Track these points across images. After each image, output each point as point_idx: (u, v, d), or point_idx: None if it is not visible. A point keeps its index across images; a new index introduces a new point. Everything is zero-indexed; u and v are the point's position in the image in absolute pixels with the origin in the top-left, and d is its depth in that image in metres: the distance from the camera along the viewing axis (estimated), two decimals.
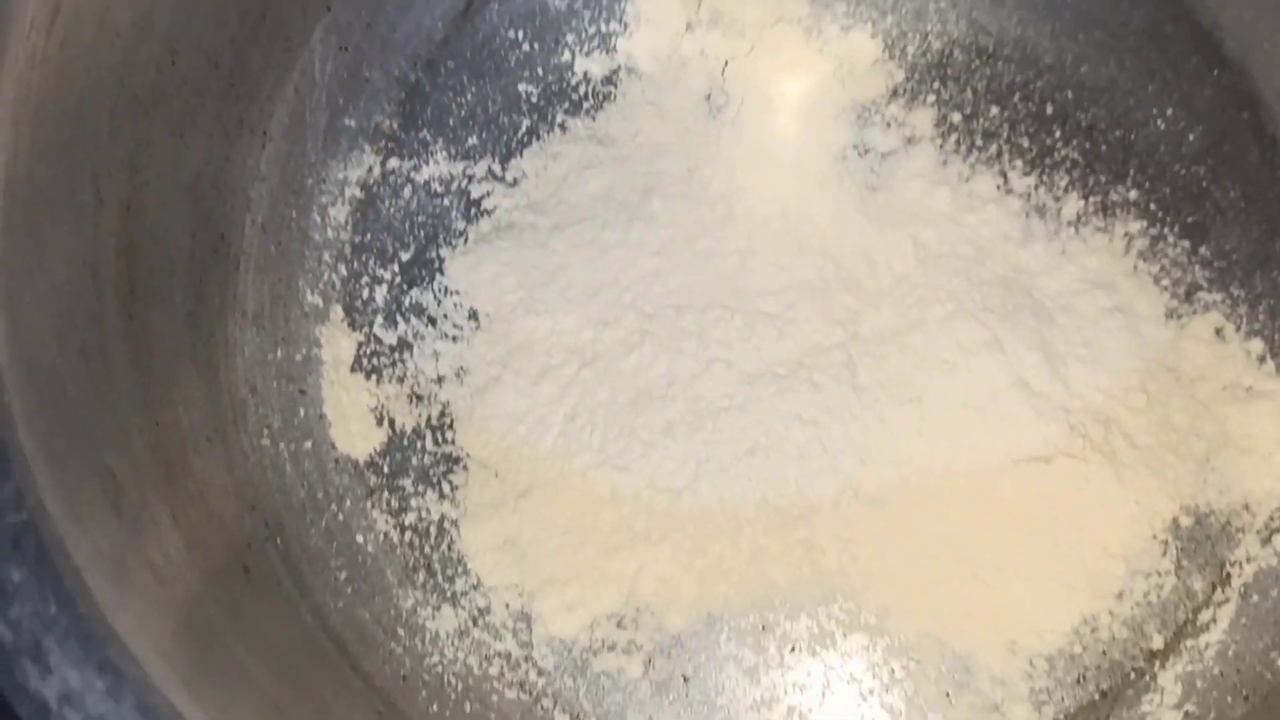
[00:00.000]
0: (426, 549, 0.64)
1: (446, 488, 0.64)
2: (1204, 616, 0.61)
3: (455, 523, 0.64)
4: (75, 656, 0.36)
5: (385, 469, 0.65)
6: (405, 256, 0.67)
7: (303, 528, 0.63)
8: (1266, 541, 0.61)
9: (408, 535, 0.65)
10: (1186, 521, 0.61)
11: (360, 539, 0.65)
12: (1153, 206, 0.64)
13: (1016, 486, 0.59)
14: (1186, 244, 0.63)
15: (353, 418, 0.65)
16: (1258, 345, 0.62)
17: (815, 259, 0.64)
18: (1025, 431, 0.60)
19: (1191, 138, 0.64)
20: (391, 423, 0.65)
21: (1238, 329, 0.62)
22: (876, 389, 0.61)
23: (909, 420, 0.60)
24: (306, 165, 0.68)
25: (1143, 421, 0.60)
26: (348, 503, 0.65)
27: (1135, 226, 0.64)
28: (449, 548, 0.64)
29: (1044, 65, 0.66)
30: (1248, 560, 0.61)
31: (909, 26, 0.67)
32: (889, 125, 0.66)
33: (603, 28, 0.69)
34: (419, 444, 0.65)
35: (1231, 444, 0.60)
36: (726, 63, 0.68)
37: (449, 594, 0.64)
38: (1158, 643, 0.60)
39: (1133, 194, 0.64)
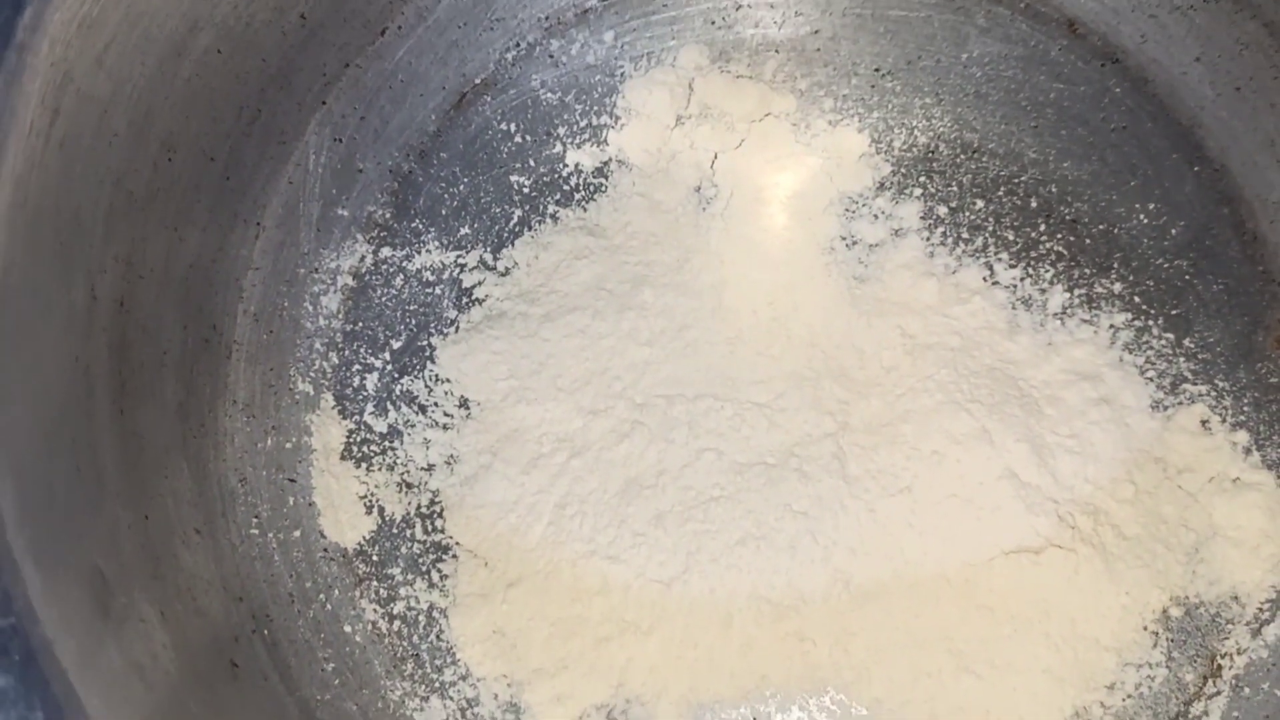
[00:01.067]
0: (415, 639, 0.64)
1: (436, 577, 0.64)
2: (1196, 709, 0.61)
3: (444, 612, 0.64)
4: None
5: (374, 557, 0.65)
6: (396, 345, 0.68)
7: (290, 619, 0.63)
8: (1257, 633, 0.61)
9: (396, 625, 0.64)
10: (1176, 613, 0.61)
11: (348, 629, 0.64)
12: (1137, 299, 0.65)
13: (1007, 578, 0.59)
14: (1171, 336, 0.64)
15: (342, 506, 0.65)
16: (1244, 437, 0.62)
17: (804, 349, 0.65)
18: (1015, 523, 0.60)
19: (1174, 232, 0.65)
20: (381, 511, 0.65)
21: (1223, 420, 0.63)
22: (866, 480, 0.61)
23: (899, 511, 0.61)
24: (299, 254, 0.68)
25: (1131, 513, 0.60)
26: (336, 592, 0.65)
27: (1120, 319, 0.64)
28: (438, 637, 0.64)
29: (1028, 160, 0.67)
30: (1238, 652, 0.61)
31: (895, 122, 0.69)
32: (876, 217, 0.67)
33: (594, 121, 0.71)
34: (408, 532, 0.65)
35: (1220, 535, 0.60)
36: (716, 156, 0.69)
37: (437, 685, 0.63)
38: None
39: (1117, 287, 0.65)
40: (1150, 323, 0.64)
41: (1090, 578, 0.59)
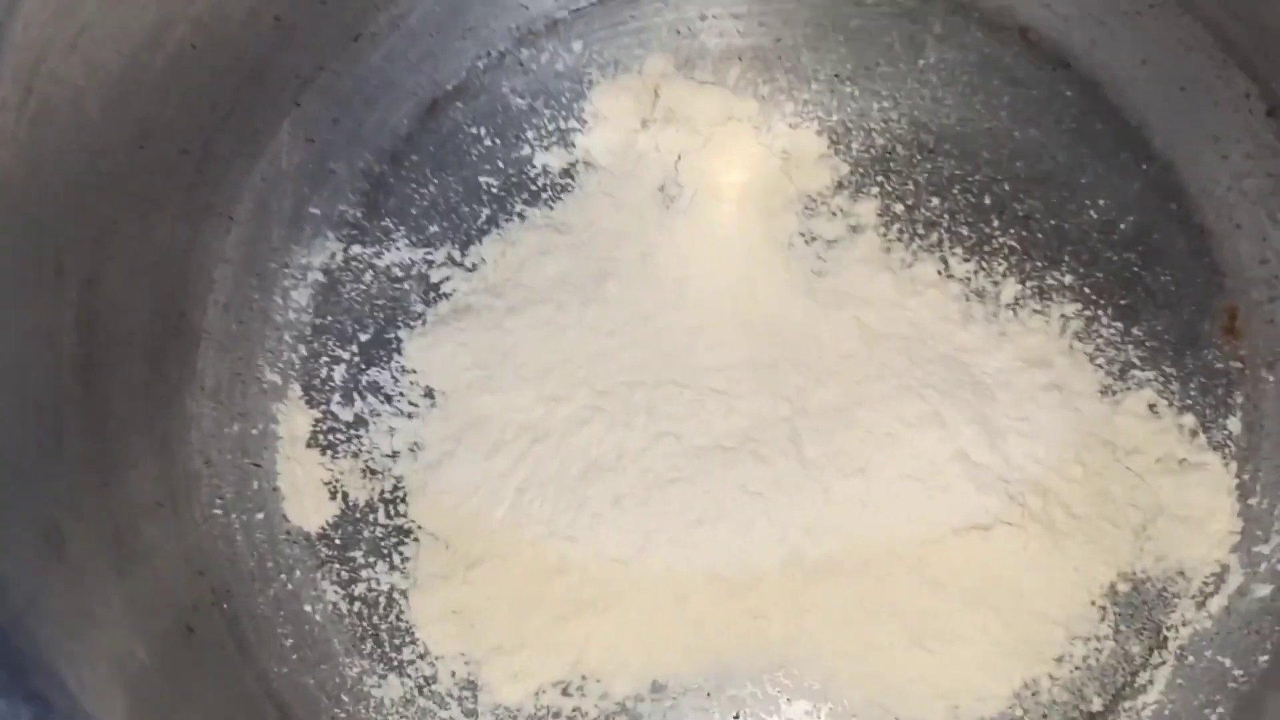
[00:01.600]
0: (375, 619, 0.65)
1: (397, 559, 0.65)
2: (1141, 678, 0.61)
3: (404, 593, 0.64)
4: (2, 684, 0.37)
5: (337, 541, 0.66)
6: (364, 337, 0.69)
7: (251, 595, 0.63)
8: (1201, 605, 0.62)
9: (356, 605, 0.65)
10: (1124, 588, 0.62)
11: (309, 608, 0.65)
12: (1087, 290, 0.66)
13: (958, 555, 0.60)
14: (1120, 325, 0.66)
15: (306, 491, 0.66)
16: (1190, 420, 0.64)
17: (763, 338, 0.66)
18: (966, 502, 0.61)
19: (1123, 227, 0.67)
20: (345, 496, 0.66)
21: (1170, 404, 0.64)
22: (822, 462, 0.62)
23: (853, 492, 0.62)
24: (270, 250, 0.70)
25: (1080, 492, 0.61)
26: (298, 573, 0.65)
27: (1070, 309, 0.66)
28: (397, 618, 0.64)
29: (981, 160, 0.69)
30: (1183, 624, 0.62)
31: (853, 124, 0.71)
32: (834, 215, 0.69)
33: (561, 125, 0.73)
34: (371, 516, 0.66)
35: (1167, 513, 0.61)
36: (680, 156, 0.71)
37: (395, 663, 0.64)
38: (1097, 705, 0.61)
39: (1068, 279, 0.66)
40: (1100, 312, 0.66)
41: (1040, 554, 0.60)
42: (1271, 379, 0.64)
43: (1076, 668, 0.61)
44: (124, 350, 0.59)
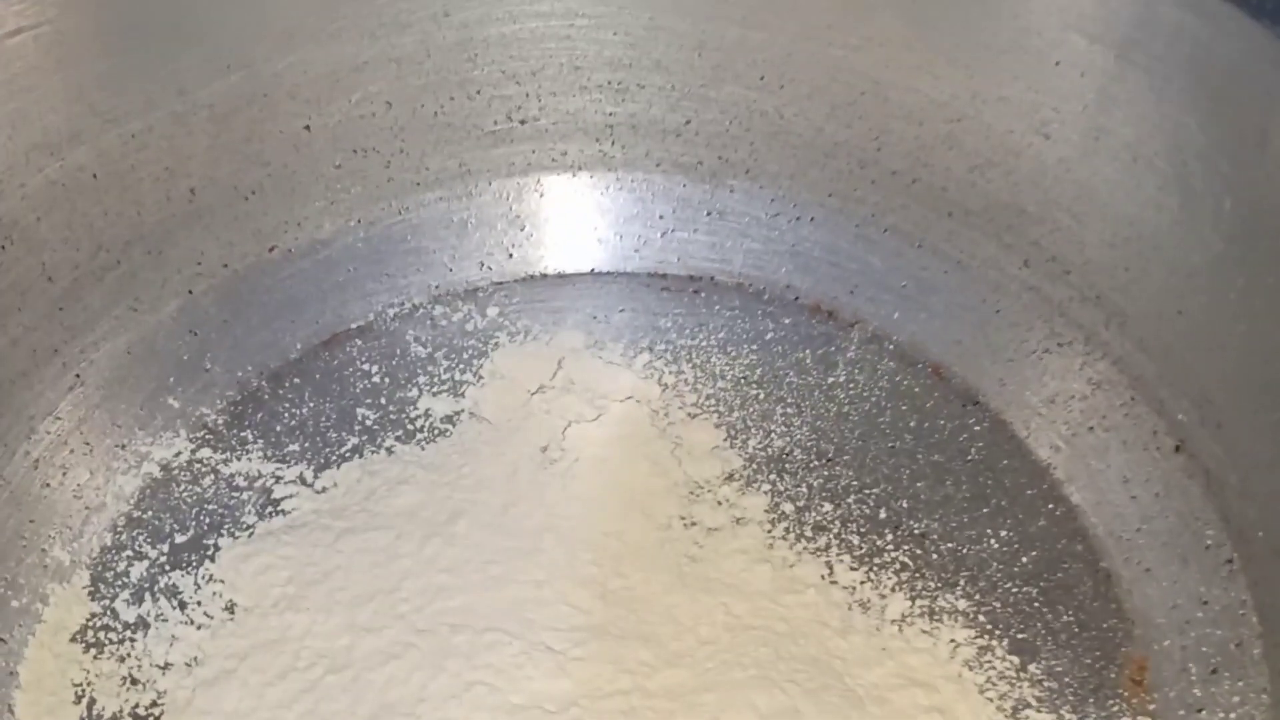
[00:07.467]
0: None
1: None
2: None
3: None
4: None
5: None
6: (180, 539, 0.62)
7: None
8: None
9: None
10: None
11: None
12: (981, 618, 0.59)
13: None
14: (1016, 660, 0.58)
15: (48, 687, 0.55)
16: None
17: (617, 610, 0.58)
18: None
19: (1025, 560, 0.62)
20: (91, 703, 0.55)
21: None
22: None
23: None
24: (110, 425, 0.64)
25: None
26: None
27: (962, 635, 0.59)
28: None
29: (881, 475, 0.65)
30: None
31: (754, 424, 0.68)
32: (720, 504, 0.64)
33: (457, 376, 0.70)
34: None
35: None
36: (569, 424, 0.67)
37: None
38: None
39: (961, 603, 0.60)
40: (994, 642, 0.58)
41: None
42: None
43: None
44: None
